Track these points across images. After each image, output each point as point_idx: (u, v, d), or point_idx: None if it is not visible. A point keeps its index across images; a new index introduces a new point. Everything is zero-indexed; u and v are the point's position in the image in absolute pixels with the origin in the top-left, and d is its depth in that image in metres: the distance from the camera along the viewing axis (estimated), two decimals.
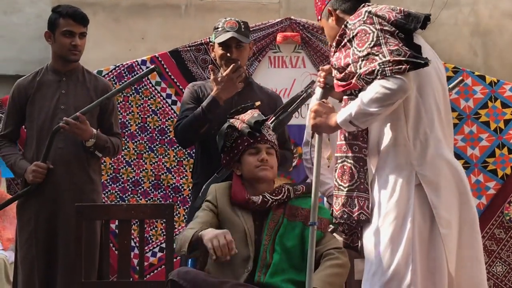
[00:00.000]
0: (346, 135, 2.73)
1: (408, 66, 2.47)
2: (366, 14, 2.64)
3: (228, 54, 3.75)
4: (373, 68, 2.51)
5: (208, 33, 5.15)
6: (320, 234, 3.13)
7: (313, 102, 3.06)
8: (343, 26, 2.71)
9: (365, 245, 2.70)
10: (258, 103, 3.49)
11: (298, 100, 3.59)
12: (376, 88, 2.50)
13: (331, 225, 3.19)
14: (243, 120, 3.33)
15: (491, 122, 4.98)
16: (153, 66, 4.00)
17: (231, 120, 3.40)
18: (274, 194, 3.24)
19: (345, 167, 2.71)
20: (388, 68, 2.48)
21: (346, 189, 2.70)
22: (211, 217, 3.23)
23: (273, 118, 3.61)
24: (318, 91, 2.93)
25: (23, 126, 4.12)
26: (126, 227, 3.62)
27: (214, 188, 3.35)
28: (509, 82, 5.08)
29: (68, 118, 3.78)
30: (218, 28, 3.79)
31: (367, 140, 2.71)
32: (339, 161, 2.75)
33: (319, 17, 2.98)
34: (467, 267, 2.65)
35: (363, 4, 2.77)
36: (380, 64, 2.49)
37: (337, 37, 2.73)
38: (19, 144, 4.24)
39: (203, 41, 4.97)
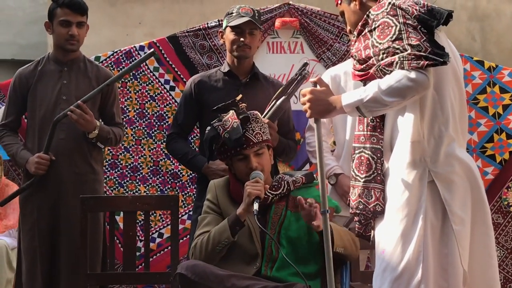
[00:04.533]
0: (365, 125, 2.71)
1: (426, 62, 2.46)
2: (390, 6, 2.60)
3: (242, 39, 3.75)
4: (393, 60, 2.50)
5: (206, 18, 5.15)
6: None
7: None
8: (365, 16, 2.68)
9: (377, 241, 2.70)
10: (239, 97, 3.37)
11: (294, 84, 3.54)
12: (399, 76, 2.48)
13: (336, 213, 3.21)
14: (225, 128, 3.22)
15: (489, 107, 4.98)
16: (151, 50, 3.96)
17: (215, 125, 3.27)
18: (273, 189, 3.21)
19: (362, 157, 2.71)
20: (407, 62, 2.47)
21: (363, 180, 2.70)
22: (216, 219, 3.22)
23: (270, 105, 3.60)
24: None
25: (24, 116, 4.10)
26: (131, 219, 3.62)
27: (214, 185, 3.33)
28: (507, 67, 5.07)
29: (72, 107, 3.77)
30: (232, 13, 3.79)
31: (384, 132, 2.70)
32: (356, 151, 2.74)
33: (339, 1, 2.92)
34: (480, 264, 2.65)
35: None
36: (400, 57, 2.48)
37: (359, 27, 2.70)
38: (20, 134, 4.22)
39: (201, 27, 4.94)
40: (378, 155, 2.69)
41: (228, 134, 3.20)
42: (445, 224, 2.60)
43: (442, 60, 2.47)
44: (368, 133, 2.71)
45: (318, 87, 2.73)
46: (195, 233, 3.26)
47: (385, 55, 2.53)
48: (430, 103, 2.62)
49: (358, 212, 2.73)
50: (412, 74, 2.47)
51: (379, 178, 2.68)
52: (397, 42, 2.52)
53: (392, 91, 2.49)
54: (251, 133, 3.26)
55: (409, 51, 2.47)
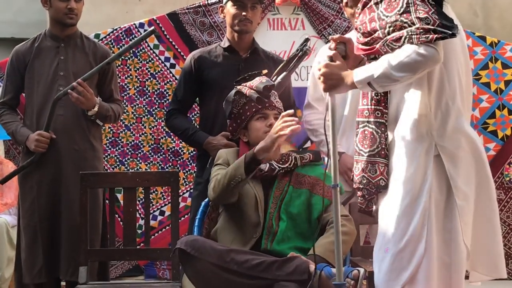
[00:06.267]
0: (369, 99, 2.69)
1: (435, 36, 2.43)
2: None
3: (244, 13, 3.72)
4: (401, 35, 2.47)
5: None
6: (328, 201, 3.11)
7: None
8: None
9: (380, 214, 2.68)
10: (265, 71, 3.44)
11: (295, 60, 3.51)
12: (408, 52, 2.45)
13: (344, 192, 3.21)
14: (251, 86, 3.29)
15: (491, 83, 4.97)
16: (152, 28, 3.93)
17: (238, 87, 3.35)
18: (281, 162, 3.22)
19: (366, 132, 2.68)
20: (415, 36, 2.44)
21: (367, 154, 2.67)
22: None
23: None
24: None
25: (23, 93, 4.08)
26: (131, 195, 3.61)
27: (224, 152, 3.33)
28: (509, 42, 5.05)
29: (75, 84, 3.75)
30: None
31: (388, 106, 2.68)
32: (360, 125, 2.71)
33: None
34: (484, 239, 2.63)
35: None
36: (408, 31, 2.45)
37: None
38: (19, 111, 4.20)
39: (201, 3, 4.93)
40: (382, 129, 2.66)
41: (256, 88, 3.26)
42: (449, 199, 2.58)
43: (451, 32, 2.45)
44: (372, 107, 2.68)
45: (336, 61, 2.70)
46: (212, 174, 3.24)
47: (391, 29, 2.50)
48: (438, 76, 2.59)
49: (361, 187, 2.70)
50: (422, 49, 2.44)
51: (383, 152, 2.66)
52: (404, 15, 2.48)
53: (402, 66, 2.47)
54: (273, 99, 3.33)
55: (417, 25, 2.44)
